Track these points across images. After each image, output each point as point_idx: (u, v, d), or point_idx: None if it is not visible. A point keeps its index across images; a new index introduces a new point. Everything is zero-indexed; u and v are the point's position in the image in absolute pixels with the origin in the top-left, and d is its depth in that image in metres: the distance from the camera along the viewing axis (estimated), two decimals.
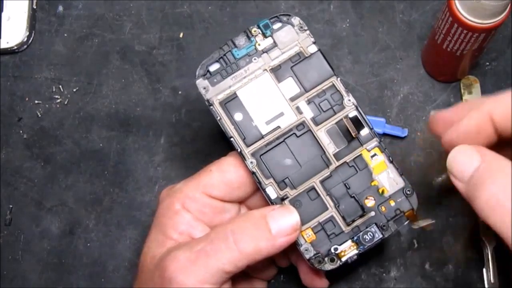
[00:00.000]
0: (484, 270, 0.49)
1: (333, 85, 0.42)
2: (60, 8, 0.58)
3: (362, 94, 0.54)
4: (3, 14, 0.57)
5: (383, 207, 0.41)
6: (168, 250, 0.40)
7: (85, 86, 0.56)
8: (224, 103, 0.42)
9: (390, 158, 0.41)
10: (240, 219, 0.39)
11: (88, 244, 0.53)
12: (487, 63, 0.55)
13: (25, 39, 0.57)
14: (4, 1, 0.58)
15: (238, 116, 0.42)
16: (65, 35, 0.57)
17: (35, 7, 0.58)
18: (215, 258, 0.37)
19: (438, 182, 0.44)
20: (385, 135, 0.53)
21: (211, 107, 0.42)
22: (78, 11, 0.58)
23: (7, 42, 0.57)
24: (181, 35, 0.57)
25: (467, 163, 0.34)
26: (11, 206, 0.54)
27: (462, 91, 0.53)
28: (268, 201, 0.41)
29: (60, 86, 0.56)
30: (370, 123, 0.41)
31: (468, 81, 0.54)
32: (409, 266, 0.50)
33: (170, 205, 0.42)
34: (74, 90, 0.56)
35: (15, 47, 0.57)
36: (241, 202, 0.44)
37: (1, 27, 0.57)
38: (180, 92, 0.56)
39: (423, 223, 0.41)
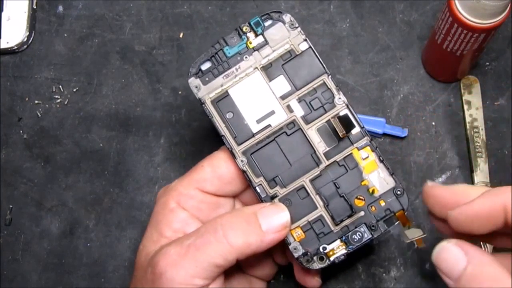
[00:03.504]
0: None
1: (324, 83, 0.42)
2: (60, 8, 0.58)
3: (362, 94, 0.54)
4: (3, 14, 0.57)
5: (373, 207, 0.41)
6: (160, 247, 0.40)
7: (85, 86, 0.56)
8: (216, 102, 0.42)
9: (381, 157, 0.41)
10: (230, 214, 0.40)
11: (88, 244, 0.53)
12: (487, 63, 0.55)
13: (25, 39, 0.57)
14: (4, 1, 0.58)
15: (229, 115, 0.42)
16: (65, 35, 0.57)
17: (35, 7, 0.58)
18: (205, 252, 0.37)
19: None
20: (385, 135, 0.53)
21: (203, 105, 0.42)
22: (78, 11, 0.58)
23: (7, 42, 0.57)
24: (181, 35, 0.57)
25: (454, 264, 0.34)
26: (11, 206, 0.54)
27: (462, 91, 0.53)
28: (258, 199, 0.41)
29: (60, 86, 0.56)
30: (361, 122, 0.41)
31: (468, 81, 0.54)
32: (409, 266, 0.50)
33: (165, 203, 0.42)
34: (74, 90, 0.56)
35: (15, 47, 0.57)
36: (235, 196, 0.44)
37: (1, 27, 0.57)
38: (180, 92, 0.56)
39: (413, 233, 0.40)
